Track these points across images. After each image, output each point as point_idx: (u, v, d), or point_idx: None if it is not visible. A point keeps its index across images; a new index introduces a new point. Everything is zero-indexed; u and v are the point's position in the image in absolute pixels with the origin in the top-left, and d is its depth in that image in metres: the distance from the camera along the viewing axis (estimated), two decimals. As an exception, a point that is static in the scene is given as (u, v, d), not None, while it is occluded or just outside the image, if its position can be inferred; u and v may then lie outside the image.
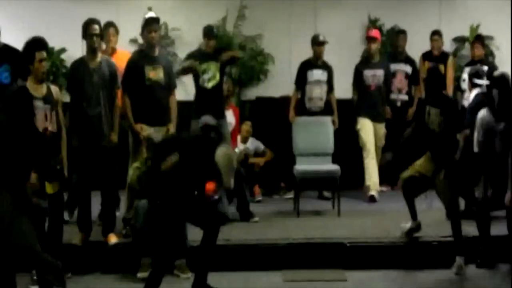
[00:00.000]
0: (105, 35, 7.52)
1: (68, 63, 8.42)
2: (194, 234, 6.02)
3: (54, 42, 7.43)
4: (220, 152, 5.54)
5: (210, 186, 6.98)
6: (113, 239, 6.63)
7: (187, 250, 6.26)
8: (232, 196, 7.66)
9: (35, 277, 5.71)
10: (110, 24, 7.80)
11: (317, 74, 8.58)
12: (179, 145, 5.63)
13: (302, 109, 8.62)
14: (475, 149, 6.47)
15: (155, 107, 7.00)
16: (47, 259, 4.99)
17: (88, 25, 6.67)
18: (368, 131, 8.58)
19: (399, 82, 9.05)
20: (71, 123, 6.59)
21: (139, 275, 6.24)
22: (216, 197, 7.14)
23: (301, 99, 8.66)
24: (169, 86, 7.17)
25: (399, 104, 9.02)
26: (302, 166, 7.94)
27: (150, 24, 7.07)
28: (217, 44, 7.96)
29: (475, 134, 6.46)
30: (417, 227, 6.71)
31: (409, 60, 9.11)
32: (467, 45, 9.51)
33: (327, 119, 8.36)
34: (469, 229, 6.63)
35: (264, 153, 8.88)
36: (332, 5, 9.71)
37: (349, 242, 6.68)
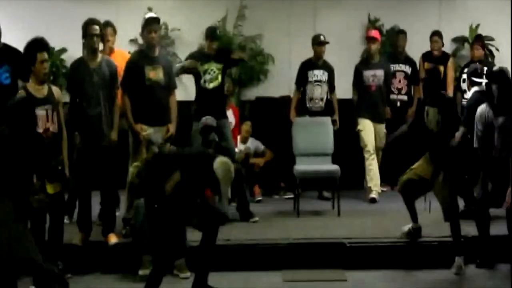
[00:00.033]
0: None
1: (68, 63, 8.42)
2: (194, 234, 6.01)
3: (54, 42, 7.42)
4: (219, 163, 5.55)
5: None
6: (113, 239, 6.64)
7: (187, 249, 6.26)
8: (232, 196, 7.66)
9: None
10: (108, 24, 7.81)
11: (318, 74, 8.59)
12: (180, 162, 5.60)
13: (303, 109, 8.63)
14: (475, 144, 6.48)
15: (155, 107, 7.01)
16: (49, 269, 4.99)
17: (88, 25, 6.67)
18: (369, 132, 8.57)
19: (399, 82, 9.06)
20: (72, 122, 6.59)
21: (141, 272, 6.25)
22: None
23: (301, 99, 8.67)
24: (169, 86, 7.17)
25: (398, 104, 9.03)
26: (302, 166, 7.94)
27: (150, 24, 7.06)
28: (219, 45, 7.96)
29: (475, 129, 6.46)
30: (417, 229, 6.71)
31: (409, 61, 9.11)
32: (466, 45, 9.52)
33: (327, 119, 8.37)
34: (469, 229, 6.64)
35: (264, 153, 8.89)
36: (332, 5, 9.71)
37: (349, 242, 6.68)
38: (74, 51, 8.17)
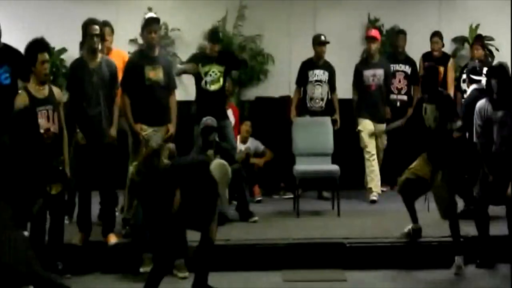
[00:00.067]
0: None
1: (68, 63, 8.43)
2: (194, 234, 6.01)
3: (54, 42, 7.43)
4: (216, 165, 5.55)
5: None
6: (112, 239, 6.64)
7: (186, 249, 6.26)
8: (232, 196, 7.66)
9: None
10: (105, 24, 7.81)
11: (318, 74, 8.60)
12: (177, 176, 5.59)
13: (304, 109, 8.64)
14: (475, 139, 6.48)
15: (155, 107, 7.01)
16: (46, 277, 4.98)
17: (88, 25, 6.67)
18: (369, 132, 8.57)
19: (399, 82, 9.05)
20: (72, 122, 6.58)
21: (142, 269, 6.26)
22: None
23: (302, 99, 8.68)
24: (169, 86, 7.17)
25: (398, 104, 9.02)
26: (301, 166, 7.94)
27: (150, 25, 7.07)
28: (221, 48, 7.97)
29: (474, 125, 6.47)
30: (417, 230, 6.71)
31: (408, 61, 9.11)
32: (466, 45, 9.52)
33: (327, 119, 8.36)
34: (468, 229, 6.64)
35: (264, 153, 8.89)
36: (332, 5, 9.71)
37: (349, 242, 6.68)
38: (74, 51, 8.17)
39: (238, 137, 8.81)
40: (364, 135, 8.54)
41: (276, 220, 7.65)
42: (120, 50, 7.84)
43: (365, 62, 8.85)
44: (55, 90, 6.16)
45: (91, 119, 6.60)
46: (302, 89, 8.71)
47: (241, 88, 9.53)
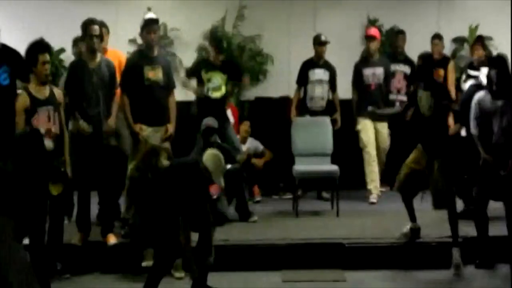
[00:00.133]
0: None
1: (67, 63, 8.42)
2: (193, 234, 6.01)
3: (54, 42, 7.42)
4: (208, 155, 5.55)
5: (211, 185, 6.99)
6: (112, 239, 6.64)
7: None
8: (231, 196, 7.67)
9: None
10: (101, 24, 7.80)
11: (319, 74, 8.61)
12: (174, 177, 5.60)
13: (304, 109, 8.64)
14: (472, 131, 6.49)
15: (154, 107, 7.01)
16: None
17: (87, 25, 6.68)
18: (369, 132, 8.54)
19: (398, 82, 9.04)
20: (72, 112, 6.57)
21: (144, 264, 6.26)
22: (215, 196, 7.14)
23: (303, 99, 8.68)
24: (168, 86, 7.17)
25: (398, 104, 9.01)
26: (301, 166, 7.94)
27: (149, 25, 7.07)
28: (224, 57, 8.01)
29: (472, 116, 6.47)
30: (416, 230, 6.71)
31: (408, 61, 9.09)
32: (466, 45, 9.52)
33: (326, 120, 8.37)
34: (468, 229, 6.64)
35: (263, 153, 8.89)
36: (332, 5, 9.72)
37: (348, 242, 6.69)
38: (74, 51, 8.17)
39: (238, 137, 8.81)
40: (364, 135, 8.54)
41: (276, 220, 7.66)
42: (116, 50, 7.82)
43: (365, 60, 8.83)
44: (56, 91, 6.19)
45: (90, 119, 6.60)
46: (302, 89, 8.72)
47: (240, 89, 9.53)
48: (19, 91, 6.14)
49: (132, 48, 8.76)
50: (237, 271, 6.45)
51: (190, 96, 8.27)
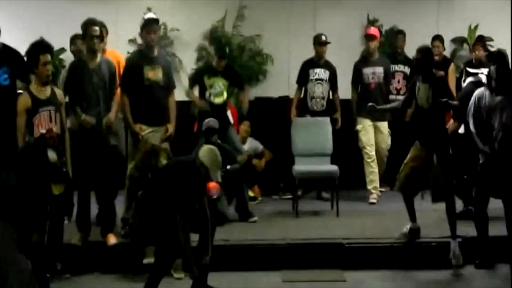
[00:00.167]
0: None
1: (67, 63, 8.42)
2: (192, 234, 6.01)
3: (54, 42, 7.40)
4: (203, 151, 5.55)
5: (211, 184, 7.00)
6: (112, 239, 6.64)
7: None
8: (231, 196, 7.67)
9: None
10: (100, 25, 7.80)
11: (319, 73, 8.61)
12: (170, 176, 5.61)
13: (305, 108, 8.64)
14: (471, 128, 6.49)
15: (154, 107, 7.01)
16: None
17: (87, 26, 6.68)
18: (369, 132, 8.54)
19: (398, 82, 9.04)
20: (72, 107, 6.57)
21: (145, 261, 6.27)
22: (215, 196, 7.16)
23: (303, 99, 8.69)
24: (168, 86, 7.17)
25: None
26: (301, 166, 7.94)
27: (149, 25, 7.07)
28: (226, 62, 8.03)
29: (471, 112, 6.47)
30: (416, 230, 6.72)
31: (408, 61, 9.09)
32: (465, 45, 9.52)
33: (326, 120, 8.37)
34: (467, 229, 6.65)
35: (263, 153, 8.88)
36: (332, 5, 9.71)
37: (348, 242, 6.69)
38: (73, 51, 8.17)
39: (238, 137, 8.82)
40: (363, 136, 8.54)
41: (276, 220, 7.66)
42: (114, 50, 7.83)
43: (365, 60, 8.82)
44: (57, 91, 6.20)
45: (90, 119, 6.62)
46: (303, 89, 8.72)
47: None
48: (20, 91, 6.16)
49: (132, 48, 8.76)
50: (237, 271, 6.44)
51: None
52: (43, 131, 5.87)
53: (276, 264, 6.57)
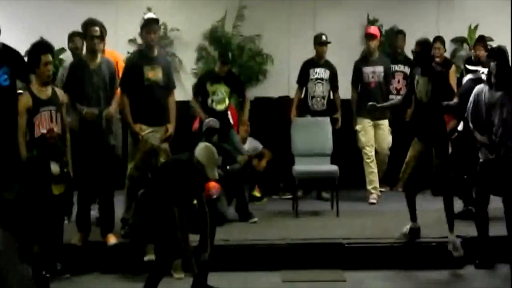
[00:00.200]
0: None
1: (67, 63, 8.41)
2: (193, 235, 6.02)
3: (54, 42, 7.41)
4: (200, 147, 5.55)
5: (211, 184, 7.00)
6: (112, 239, 6.64)
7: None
8: (231, 196, 7.67)
9: None
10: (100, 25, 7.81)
11: (319, 72, 8.61)
12: (166, 174, 5.62)
13: (305, 108, 8.64)
14: (470, 125, 6.50)
15: (154, 107, 7.00)
16: None
17: (88, 26, 6.68)
18: (368, 133, 8.53)
19: (398, 83, 9.03)
20: (72, 103, 6.57)
21: (146, 258, 6.28)
22: (215, 196, 7.16)
23: (304, 99, 8.68)
24: (168, 86, 7.17)
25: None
26: (300, 166, 7.94)
27: (149, 25, 7.07)
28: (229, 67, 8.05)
29: (470, 109, 6.48)
30: (416, 230, 6.72)
31: (407, 61, 9.07)
32: (465, 45, 9.51)
33: (326, 120, 8.36)
34: (468, 229, 6.65)
35: (263, 153, 8.87)
36: (332, 5, 9.71)
37: (348, 242, 6.68)
38: (73, 51, 8.16)
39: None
40: (362, 136, 8.53)
41: (276, 220, 7.66)
42: (113, 50, 7.82)
43: (365, 59, 8.80)
44: (58, 91, 6.20)
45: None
46: (303, 89, 8.71)
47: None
48: (20, 91, 6.16)
49: (132, 48, 8.76)
50: (237, 271, 6.44)
51: (190, 96, 8.27)
52: (44, 131, 5.88)
53: (276, 264, 6.57)
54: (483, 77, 6.76)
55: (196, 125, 8.25)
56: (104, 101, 6.65)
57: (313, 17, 9.71)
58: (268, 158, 8.87)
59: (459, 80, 8.76)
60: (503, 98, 6.30)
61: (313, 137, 8.16)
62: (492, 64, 6.41)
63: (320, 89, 8.61)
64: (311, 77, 8.61)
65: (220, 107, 7.87)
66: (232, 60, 8.45)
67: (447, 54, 9.27)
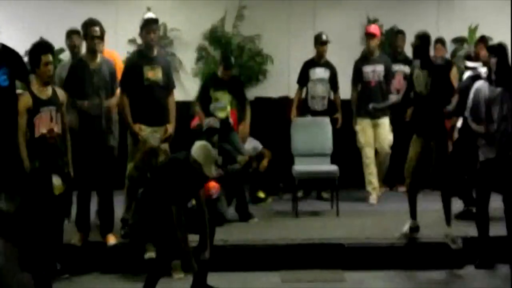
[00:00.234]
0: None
1: (64, 61, 8.42)
2: (193, 235, 6.02)
3: (54, 42, 7.41)
4: (197, 146, 5.54)
5: (211, 184, 7.00)
6: (111, 239, 6.64)
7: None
8: (231, 197, 7.67)
9: None
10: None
11: (319, 72, 8.61)
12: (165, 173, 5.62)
13: (306, 108, 8.63)
14: (470, 123, 6.50)
15: (153, 107, 7.00)
16: None
17: (88, 26, 6.68)
18: (368, 133, 8.52)
19: (398, 83, 9.01)
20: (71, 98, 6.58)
21: (146, 256, 6.29)
22: (215, 196, 7.16)
23: (304, 98, 8.68)
24: (168, 86, 7.16)
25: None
26: (300, 166, 7.94)
27: (149, 25, 7.06)
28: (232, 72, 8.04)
29: (470, 105, 6.48)
30: (415, 228, 6.72)
31: (407, 61, 9.04)
32: (465, 46, 9.51)
33: (326, 120, 8.36)
34: (468, 229, 6.64)
35: (263, 153, 8.87)
36: (332, 5, 9.72)
37: (348, 242, 6.68)
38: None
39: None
40: (362, 136, 8.53)
41: (275, 220, 7.66)
42: (112, 50, 7.81)
43: (365, 58, 8.77)
44: (58, 91, 6.20)
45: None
46: (303, 89, 8.71)
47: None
48: (20, 91, 6.15)
49: (132, 48, 8.76)
50: (236, 271, 6.44)
51: (190, 96, 8.27)
52: (44, 131, 5.87)
53: (276, 265, 6.56)
54: (483, 74, 6.77)
55: (194, 122, 8.25)
56: (104, 101, 6.64)
57: (313, 17, 9.71)
58: (268, 158, 8.87)
59: (459, 78, 8.79)
60: (503, 95, 6.31)
61: (313, 137, 8.15)
62: (493, 60, 6.41)
63: (320, 89, 8.61)
64: (311, 77, 8.61)
65: (221, 115, 7.84)
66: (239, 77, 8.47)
67: (447, 55, 9.26)
